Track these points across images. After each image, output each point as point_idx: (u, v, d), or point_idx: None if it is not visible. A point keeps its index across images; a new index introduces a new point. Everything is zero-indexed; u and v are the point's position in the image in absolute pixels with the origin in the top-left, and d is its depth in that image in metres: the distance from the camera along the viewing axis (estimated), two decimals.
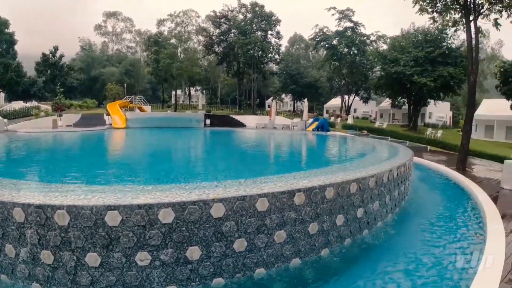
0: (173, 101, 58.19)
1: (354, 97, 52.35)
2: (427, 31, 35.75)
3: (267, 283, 4.15)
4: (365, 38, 46.12)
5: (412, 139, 26.59)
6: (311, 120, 28.97)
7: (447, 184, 10.45)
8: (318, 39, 47.80)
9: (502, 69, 28.23)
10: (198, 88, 67.69)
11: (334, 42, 46.21)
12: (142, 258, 3.65)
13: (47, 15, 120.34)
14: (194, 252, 3.81)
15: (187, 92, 66.21)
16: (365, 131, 30.55)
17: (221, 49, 53.55)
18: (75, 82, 65.95)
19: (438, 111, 49.35)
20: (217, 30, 53.14)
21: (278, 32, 50.67)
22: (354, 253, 5.09)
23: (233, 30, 51.24)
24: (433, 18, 14.90)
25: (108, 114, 30.82)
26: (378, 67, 41.17)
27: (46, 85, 59.11)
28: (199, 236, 3.81)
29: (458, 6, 13.80)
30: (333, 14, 45.57)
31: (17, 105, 38.96)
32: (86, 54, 75.84)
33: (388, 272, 4.60)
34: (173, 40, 52.81)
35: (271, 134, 24.70)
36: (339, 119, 43.95)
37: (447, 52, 33.43)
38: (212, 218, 3.82)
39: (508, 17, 13.40)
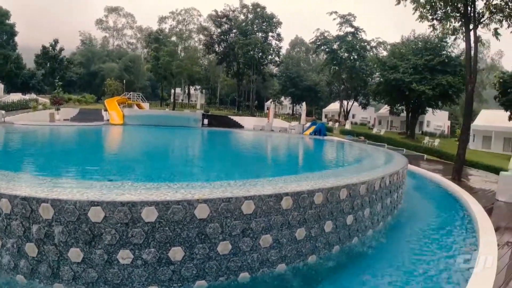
0: (172, 100, 58.04)
1: (353, 103, 52.43)
2: (427, 39, 35.86)
3: (251, 287, 4.06)
4: (365, 43, 46.22)
5: (409, 147, 26.61)
6: (308, 124, 28.92)
7: (441, 194, 10.37)
8: (319, 43, 47.87)
9: (501, 80, 28.31)
10: (198, 87, 67.61)
11: (335, 46, 46.30)
12: (124, 256, 3.58)
13: (48, 8, 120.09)
14: (176, 253, 3.73)
15: (187, 91, 66.08)
16: (362, 137, 30.57)
17: (221, 49, 53.50)
18: (75, 76, 65.75)
19: (436, 119, 49.49)
20: (218, 30, 53.10)
21: (279, 34, 50.72)
22: (343, 261, 4.99)
23: (234, 30, 51.20)
24: (433, 25, 14.89)
25: (106, 110, 30.66)
26: (377, 73, 41.28)
27: (45, 78, 58.94)
28: (182, 236, 3.73)
29: (458, 15, 13.80)
30: (334, 19, 45.76)
31: (16, 97, 38.79)
32: (87, 48, 75.69)
33: (376, 281, 4.52)
34: (173, 38, 52.75)
35: (268, 137, 24.63)
36: (337, 124, 43.96)
37: (446, 60, 33.53)
38: (196, 219, 3.73)
39: (508, 27, 13.38)
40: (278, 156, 15.95)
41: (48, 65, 57.10)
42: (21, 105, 34.47)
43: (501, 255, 5.13)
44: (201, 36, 56.24)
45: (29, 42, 66.08)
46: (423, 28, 57.88)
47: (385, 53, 43.93)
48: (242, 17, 51.95)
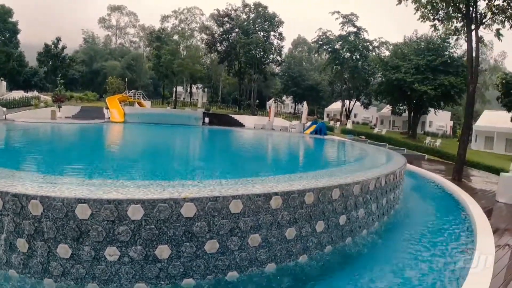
0: (173, 98, 58.09)
1: (355, 102, 52.27)
2: (429, 39, 35.68)
3: (239, 286, 4.02)
4: (367, 43, 46.02)
5: (410, 147, 26.49)
6: (309, 123, 28.85)
7: (441, 195, 10.26)
8: (321, 42, 47.73)
9: (504, 81, 28.18)
10: (200, 86, 67.64)
11: (337, 46, 46.14)
12: (111, 253, 3.61)
13: (51, 6, 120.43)
14: (163, 251, 3.73)
15: (188, 89, 66.11)
16: (363, 137, 30.45)
17: (223, 48, 53.43)
18: (77, 74, 65.87)
19: (439, 120, 49.27)
20: (220, 29, 53.05)
21: (280, 34, 50.59)
22: (335, 261, 4.92)
23: (235, 30, 51.12)
24: (434, 26, 14.78)
25: (107, 108, 30.71)
26: (379, 73, 41.13)
27: (47, 76, 59.12)
28: (168, 235, 3.73)
29: (460, 15, 13.67)
30: (337, 18, 45.57)
31: (18, 94, 38.91)
32: (89, 46, 75.85)
33: (368, 283, 4.45)
34: (175, 37, 52.74)
35: (268, 135, 24.58)
36: (338, 123, 43.85)
37: (449, 61, 33.38)
38: (182, 217, 3.71)
39: (510, 27, 13.26)
40: (276, 155, 15.89)
41: (50, 63, 57.24)
42: (23, 103, 34.58)
43: (499, 257, 5.04)
44: (203, 35, 56.21)
45: (31, 40, 66.33)
46: (426, 29, 57.62)
47: (387, 53, 43.75)
48: (244, 16, 51.86)
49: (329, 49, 47.49)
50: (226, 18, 52.23)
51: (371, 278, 4.57)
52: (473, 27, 12.84)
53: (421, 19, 14.75)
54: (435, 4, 13.81)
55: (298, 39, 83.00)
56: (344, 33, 46.08)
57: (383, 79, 37.69)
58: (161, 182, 4.55)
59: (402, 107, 42.40)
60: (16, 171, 4.95)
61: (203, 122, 31.38)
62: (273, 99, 63.24)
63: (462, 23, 13.89)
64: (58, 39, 57.47)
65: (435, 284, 4.46)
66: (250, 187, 4.20)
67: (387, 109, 51.74)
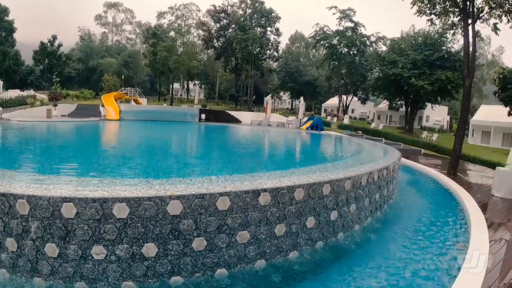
0: (169, 95, 57.79)
1: (352, 98, 52.17)
2: (427, 34, 35.57)
3: (229, 283, 3.98)
4: (365, 39, 45.83)
5: (406, 141, 26.51)
6: (306, 118, 28.80)
7: (436, 189, 10.23)
8: (318, 37, 47.47)
9: (501, 76, 28.16)
10: (197, 82, 67.27)
11: (334, 41, 45.91)
12: (98, 251, 3.62)
13: (47, 4, 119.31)
14: (150, 249, 3.72)
15: (186, 86, 65.81)
16: (360, 132, 30.43)
17: (219, 44, 53.10)
18: (73, 72, 65.43)
19: (436, 114, 49.29)
20: (217, 25, 52.68)
21: (277, 29, 50.20)
22: (326, 257, 4.88)
23: (232, 25, 50.77)
24: (431, 20, 14.69)
25: (103, 105, 30.56)
26: (377, 68, 41.03)
27: (44, 74, 58.66)
28: (155, 233, 3.71)
29: (457, 10, 13.59)
30: (334, 13, 45.29)
31: (14, 93, 38.56)
32: (85, 44, 75.20)
33: (359, 278, 4.41)
34: (172, 33, 52.33)
35: (264, 131, 24.53)
36: (335, 118, 43.79)
37: (446, 56, 33.31)
38: (168, 215, 3.66)
39: (508, 22, 13.19)
40: (270, 151, 15.82)
41: (46, 61, 56.72)
42: (19, 102, 34.27)
43: (493, 252, 5.02)
44: (200, 31, 55.84)
45: (27, 38, 65.77)
46: (423, 24, 57.41)
47: (384, 48, 43.62)
48: (240, 12, 51.46)
49: (326, 45, 47.25)
50: (222, 14, 51.84)
51: (364, 273, 4.54)
52: (470, 21, 12.77)
53: (417, 14, 14.68)
54: None
55: (295, 35, 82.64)
56: (342, 28, 45.84)
57: (380, 74, 37.61)
58: (150, 179, 4.52)
59: (399, 102, 42.35)
60: (6, 171, 4.92)
61: (200, 118, 31.32)
62: (270, 95, 63.06)
63: (459, 17, 13.82)
64: (54, 37, 56.98)
65: (429, 280, 4.41)
66: (238, 184, 4.15)
67: (384, 104, 51.72)
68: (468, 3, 12.66)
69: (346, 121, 39.93)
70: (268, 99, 38.53)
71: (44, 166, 8.01)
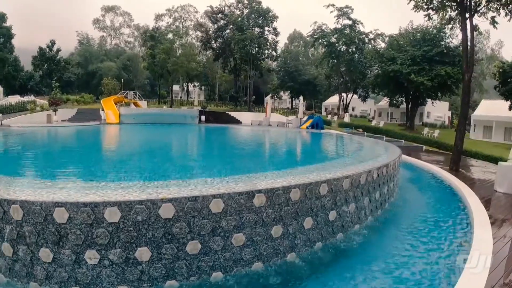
0: (169, 97, 57.81)
1: (352, 96, 52.01)
2: (425, 30, 35.42)
3: (225, 287, 3.90)
4: (363, 36, 45.68)
5: (408, 138, 26.34)
6: (306, 117, 28.70)
7: (438, 186, 10.11)
8: (316, 36, 47.33)
9: (501, 70, 27.98)
10: (197, 84, 67.27)
11: (333, 39, 45.75)
12: (91, 256, 3.59)
13: (45, 9, 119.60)
14: (143, 253, 3.67)
15: (185, 88, 65.82)
16: (361, 130, 30.29)
17: (217, 45, 53.06)
18: (73, 76, 65.54)
19: (437, 110, 49.06)
20: (214, 26, 52.65)
21: (275, 29, 50.12)
22: (325, 258, 4.78)
23: (229, 26, 50.72)
24: (428, 15, 14.59)
25: (103, 109, 30.56)
26: (376, 66, 40.88)
27: (43, 80, 58.79)
28: (147, 237, 3.65)
29: (454, 4, 13.49)
30: (331, 11, 45.16)
31: (14, 99, 38.61)
32: (84, 48, 75.36)
33: (360, 279, 4.31)
34: (170, 35, 52.31)
35: (264, 131, 24.44)
36: (335, 117, 43.66)
37: (445, 51, 33.16)
38: (161, 218, 3.59)
39: (506, 15, 13.09)
40: (269, 151, 15.71)
41: (45, 66, 56.84)
42: (19, 108, 34.30)
43: (497, 249, 4.91)
44: (198, 33, 55.83)
45: (26, 44, 65.83)
46: (421, 19, 57.22)
47: (383, 45, 43.45)
48: (237, 12, 51.43)
49: (324, 43, 47.10)
50: (219, 15, 51.81)
51: (364, 274, 4.44)
52: (467, 15, 12.67)
53: (415, 9, 14.59)
54: None
55: (294, 34, 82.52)
56: (340, 26, 45.72)
57: (379, 71, 37.47)
58: (144, 182, 4.45)
59: (399, 99, 42.18)
60: (3, 177, 4.88)
61: (200, 120, 31.25)
62: (270, 95, 62.97)
63: (456, 11, 13.71)
64: (53, 42, 57.10)
65: (431, 280, 4.31)
66: (232, 186, 4.07)
67: (384, 102, 51.55)
68: None
69: (346, 119, 39.79)
70: (268, 99, 38.37)
71: (41, 171, 7.96)
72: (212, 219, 3.77)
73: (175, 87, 65.53)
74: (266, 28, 49.47)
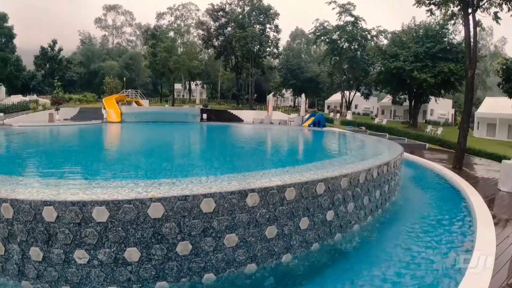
0: (171, 96, 57.78)
1: (355, 93, 51.71)
2: (428, 26, 35.07)
3: None
4: (365, 33, 45.35)
5: (411, 136, 26.13)
6: (307, 115, 28.52)
7: (440, 184, 9.93)
8: (318, 33, 47.08)
9: (504, 67, 27.66)
10: (199, 82, 67.22)
11: (335, 36, 45.48)
12: (80, 256, 3.53)
13: (46, 9, 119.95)
14: (132, 254, 3.58)
15: (187, 86, 65.76)
16: (363, 128, 30.08)
17: (219, 43, 52.91)
18: (75, 76, 65.72)
19: (440, 108, 48.67)
20: (215, 24, 52.49)
21: (276, 26, 49.90)
22: (322, 260, 4.65)
23: (231, 24, 50.54)
24: (430, 10, 14.38)
25: (105, 108, 30.57)
26: (379, 63, 40.57)
27: (45, 79, 59.02)
28: (136, 237, 3.56)
29: None
30: (333, 8, 44.87)
31: (16, 99, 38.80)
32: (86, 47, 75.53)
33: (358, 282, 4.17)
34: (171, 34, 52.21)
35: (266, 129, 24.28)
36: (338, 115, 43.43)
37: (448, 47, 32.84)
38: (150, 218, 3.49)
39: (508, 10, 12.87)
40: (269, 149, 15.54)
41: (47, 66, 57.07)
42: (21, 107, 34.50)
43: (501, 250, 4.76)
44: (200, 31, 55.70)
45: (28, 44, 66.08)
46: (424, 15, 56.66)
47: (385, 42, 43.13)
48: (238, 10, 51.22)
49: (327, 40, 46.85)
50: (221, 13, 51.65)
51: (363, 277, 4.29)
52: (470, 11, 12.46)
53: (416, 4, 14.39)
54: None
55: (296, 31, 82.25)
56: (342, 23, 45.44)
57: (382, 68, 37.18)
58: (137, 181, 4.34)
59: (402, 96, 41.86)
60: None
61: (201, 118, 31.18)
62: (272, 92, 62.75)
63: (458, 7, 13.49)
64: (54, 42, 57.27)
65: (433, 281, 4.18)
66: (225, 185, 3.94)
67: (387, 99, 51.20)
68: None
69: (349, 117, 39.57)
70: (270, 97, 38.24)
71: (37, 170, 7.89)
72: (203, 219, 3.65)
73: (177, 86, 65.47)
74: (268, 26, 49.27)
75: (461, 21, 14.02)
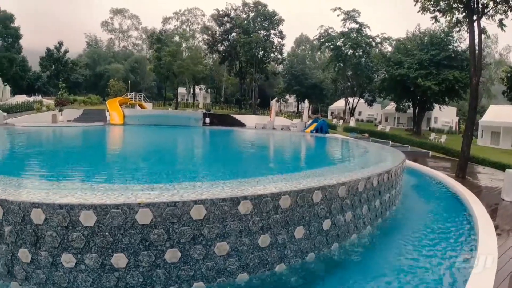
0: (175, 99, 57.97)
1: (359, 100, 51.54)
2: (433, 34, 34.94)
3: None
4: (370, 40, 45.29)
5: (414, 143, 25.89)
6: (310, 121, 28.40)
7: (443, 193, 9.78)
8: (323, 40, 47.08)
9: (509, 75, 27.46)
10: (203, 87, 67.46)
11: (339, 43, 45.45)
12: (67, 260, 3.50)
13: (53, 10, 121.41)
14: (119, 259, 3.51)
15: (192, 90, 65.96)
16: (366, 134, 29.88)
17: (223, 48, 53.13)
18: (81, 78, 66.19)
19: (444, 116, 48.29)
20: (220, 29, 52.77)
21: (281, 32, 50.01)
22: (318, 270, 4.51)
23: (235, 29, 50.76)
24: (435, 17, 14.30)
25: (108, 110, 30.69)
26: (383, 70, 40.44)
27: (50, 80, 59.45)
28: (124, 243, 3.46)
29: (461, 6, 13.17)
30: (338, 15, 44.90)
31: (21, 99, 39.04)
32: (92, 50, 76.14)
33: None
34: (176, 38, 52.51)
35: (268, 135, 24.18)
36: (341, 121, 43.24)
37: (453, 55, 32.66)
38: (138, 224, 3.38)
39: None
40: (268, 155, 15.39)
41: (53, 67, 57.54)
42: (26, 107, 34.67)
43: (503, 263, 4.60)
44: (205, 36, 56.01)
45: (34, 45, 66.79)
46: (429, 23, 56.56)
47: (390, 49, 43.02)
48: (243, 15, 51.48)
49: (331, 47, 46.83)
50: (226, 18, 51.92)
51: (362, 287, 4.16)
52: (475, 18, 12.37)
53: (421, 11, 14.30)
54: None
55: (300, 38, 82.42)
56: (346, 29, 45.42)
57: (386, 75, 37.03)
58: (128, 185, 4.26)
59: (406, 104, 41.62)
60: None
61: (204, 122, 31.15)
62: (275, 98, 62.72)
63: (463, 14, 13.40)
64: (60, 43, 57.79)
65: None
66: (216, 191, 3.83)
67: (391, 106, 50.94)
68: None
69: (352, 123, 39.36)
70: (273, 102, 38.09)
71: (33, 171, 7.82)
72: (193, 226, 3.54)
73: (182, 90, 65.69)
74: (272, 32, 49.40)
75: (466, 28, 13.91)
